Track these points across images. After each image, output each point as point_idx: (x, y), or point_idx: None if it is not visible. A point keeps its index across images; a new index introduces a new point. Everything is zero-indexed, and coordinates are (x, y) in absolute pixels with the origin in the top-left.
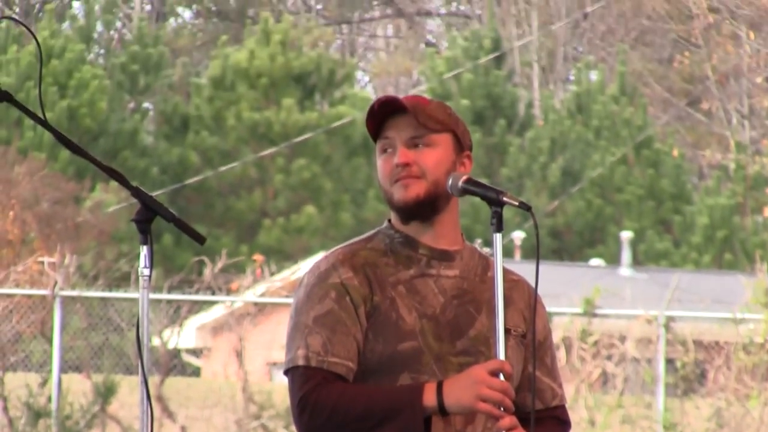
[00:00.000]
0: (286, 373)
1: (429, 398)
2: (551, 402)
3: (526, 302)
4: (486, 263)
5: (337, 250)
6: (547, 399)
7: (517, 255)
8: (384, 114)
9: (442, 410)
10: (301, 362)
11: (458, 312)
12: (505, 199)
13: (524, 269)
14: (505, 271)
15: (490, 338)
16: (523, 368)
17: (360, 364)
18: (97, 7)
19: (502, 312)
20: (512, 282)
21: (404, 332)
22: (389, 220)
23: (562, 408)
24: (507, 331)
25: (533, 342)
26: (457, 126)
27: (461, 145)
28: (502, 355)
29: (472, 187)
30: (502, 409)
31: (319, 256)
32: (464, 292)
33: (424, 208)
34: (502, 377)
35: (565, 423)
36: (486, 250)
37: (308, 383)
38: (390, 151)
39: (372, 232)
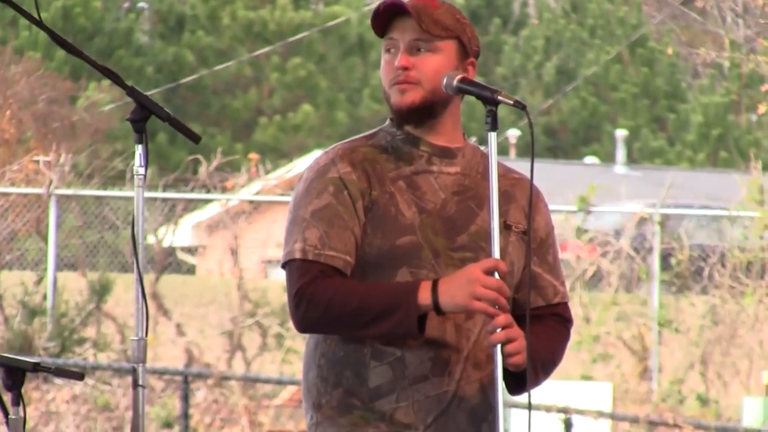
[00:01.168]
0: (283, 266)
1: (424, 296)
2: (553, 299)
3: (527, 199)
4: (488, 161)
5: (337, 146)
6: (548, 296)
7: (513, 153)
8: (389, 15)
9: (437, 308)
10: (298, 255)
11: (459, 208)
12: (499, 98)
13: (520, 167)
14: (507, 170)
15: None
16: (525, 265)
17: (358, 258)
18: None
19: (497, 209)
20: (514, 180)
21: (403, 227)
22: (391, 118)
23: (564, 305)
24: (508, 227)
25: (528, 239)
26: (463, 32)
27: (466, 52)
28: (496, 254)
29: (466, 86)
30: (497, 307)
31: (315, 153)
32: (465, 188)
33: (419, 114)
34: (497, 276)
35: (567, 320)
36: (481, 148)
37: (305, 276)
38: (393, 51)
39: (374, 129)
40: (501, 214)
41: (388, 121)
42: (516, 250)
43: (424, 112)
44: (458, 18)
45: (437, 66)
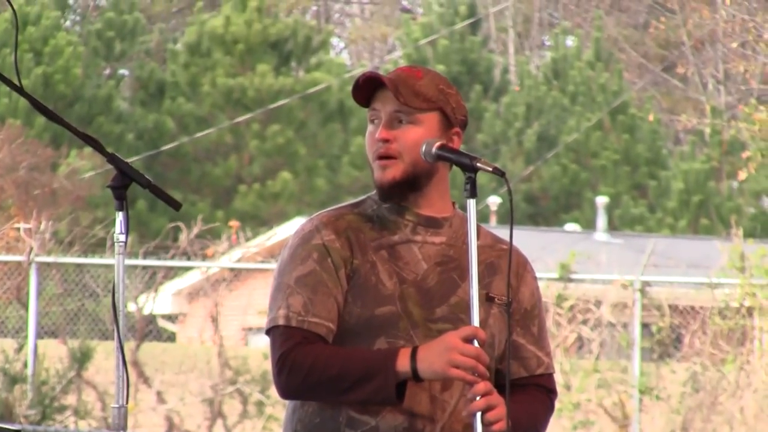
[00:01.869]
0: (267, 332)
1: (403, 363)
2: (536, 370)
3: (513, 270)
4: (477, 232)
5: (322, 213)
6: (531, 367)
7: (493, 220)
8: (370, 88)
9: (415, 376)
10: (281, 322)
11: (441, 279)
12: (478, 165)
13: (500, 234)
14: (496, 240)
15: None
16: (508, 337)
17: (338, 326)
18: None
19: (476, 277)
20: (501, 251)
21: (383, 296)
22: None
23: (548, 376)
24: (491, 299)
25: (508, 308)
26: (447, 103)
27: (450, 122)
28: (476, 322)
29: (445, 153)
30: (476, 375)
31: (295, 221)
32: (450, 259)
33: (401, 189)
34: (476, 344)
35: (551, 391)
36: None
37: (287, 342)
38: (376, 122)
39: (361, 197)
40: (484, 286)
41: (375, 190)
42: (498, 322)
43: (407, 186)
44: (441, 88)
45: (418, 138)
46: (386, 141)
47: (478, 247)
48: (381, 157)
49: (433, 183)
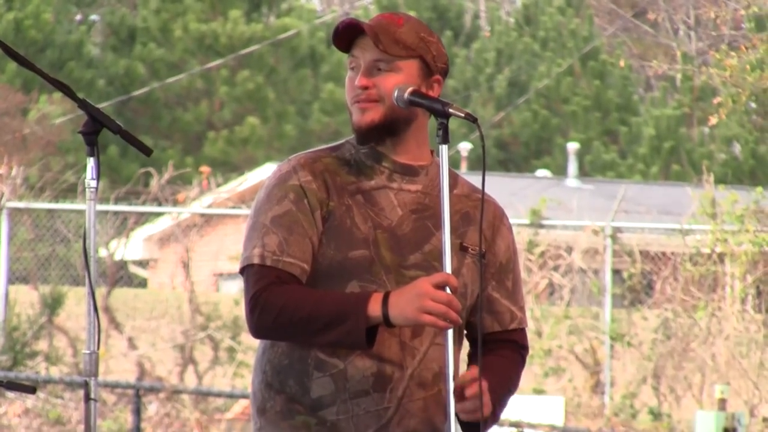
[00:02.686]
0: (241, 271)
1: (374, 308)
2: (509, 325)
3: (489, 222)
4: (454, 181)
5: (300, 154)
6: (505, 321)
7: (464, 166)
8: (350, 35)
9: (387, 321)
10: (256, 261)
11: (415, 226)
12: (450, 110)
13: (471, 180)
14: (473, 189)
15: None
16: (484, 289)
17: (311, 268)
18: None
19: (449, 223)
20: (478, 201)
21: (357, 240)
22: None
23: (521, 331)
24: (464, 249)
25: (480, 258)
26: (427, 51)
27: (430, 70)
28: (448, 268)
29: (417, 99)
30: (447, 321)
31: (265, 167)
32: (425, 207)
33: (379, 132)
34: (448, 290)
35: (523, 347)
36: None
37: (261, 281)
38: (355, 69)
39: (340, 141)
40: (458, 236)
41: (353, 134)
42: (471, 272)
43: (384, 130)
44: (422, 36)
45: (397, 84)
46: (366, 88)
47: (454, 196)
48: (361, 101)
49: (411, 130)
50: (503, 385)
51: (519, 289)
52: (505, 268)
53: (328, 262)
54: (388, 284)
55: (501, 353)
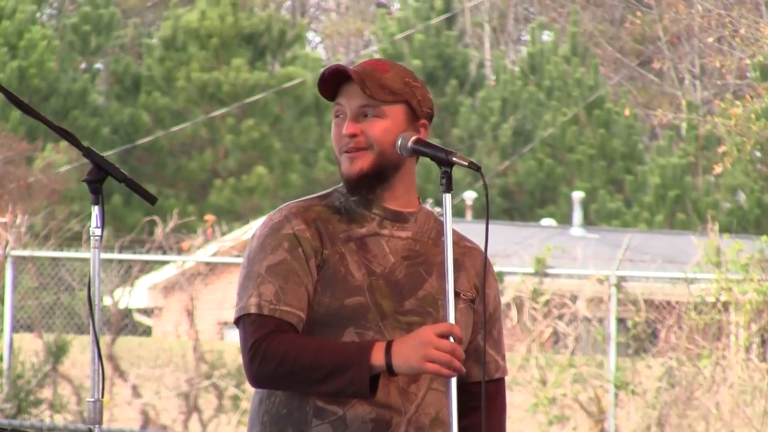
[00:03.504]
0: (237, 321)
1: (377, 357)
2: (494, 374)
3: (477, 270)
4: (441, 227)
5: (291, 203)
6: (490, 371)
7: (469, 215)
8: (336, 82)
9: (390, 370)
10: (253, 310)
11: (408, 273)
12: (454, 159)
13: (475, 229)
14: (460, 237)
15: (439, 300)
16: (472, 338)
17: (307, 316)
18: None
19: (452, 274)
20: (466, 248)
21: (352, 287)
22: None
23: (501, 380)
24: (456, 294)
25: (484, 313)
26: (413, 95)
27: (416, 114)
28: (452, 319)
29: (421, 148)
30: (451, 369)
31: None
32: (416, 253)
33: (369, 181)
34: (452, 340)
35: (503, 397)
36: (437, 210)
37: (260, 330)
38: (342, 117)
39: (328, 190)
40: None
41: (342, 183)
42: (464, 319)
43: (375, 179)
44: (407, 81)
45: (384, 130)
46: (354, 135)
47: (441, 243)
48: (350, 151)
49: (400, 176)
50: None
51: (502, 339)
52: (493, 317)
53: (324, 310)
54: (384, 330)
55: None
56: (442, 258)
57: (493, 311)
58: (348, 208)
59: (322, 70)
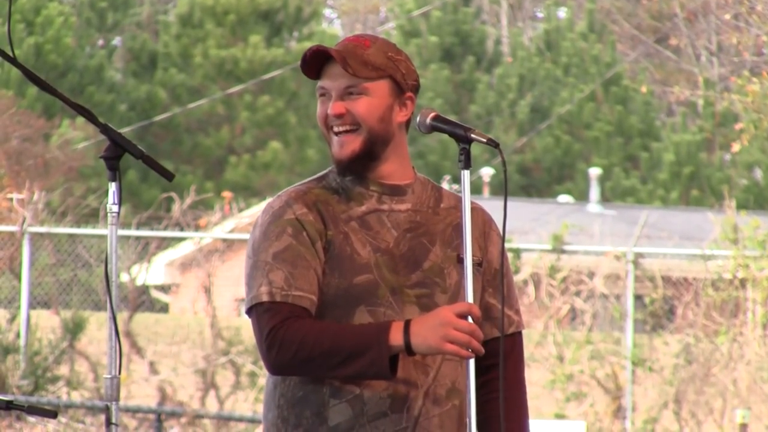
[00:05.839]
0: (248, 311)
1: (396, 337)
2: (508, 330)
3: (480, 230)
4: (438, 194)
5: (289, 189)
6: (504, 327)
7: (486, 191)
8: (319, 62)
9: (408, 349)
10: (265, 298)
11: (412, 245)
12: (472, 135)
13: (493, 206)
14: (457, 200)
15: (445, 268)
16: (481, 296)
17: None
18: None
19: (470, 252)
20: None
21: (359, 266)
22: None
23: (518, 335)
24: (461, 260)
25: (500, 272)
26: (396, 70)
27: (401, 88)
28: (470, 298)
29: (440, 124)
30: (470, 350)
31: None
32: (417, 224)
33: (362, 161)
34: (470, 320)
35: (521, 352)
36: (455, 186)
37: (275, 318)
38: (326, 97)
39: (323, 172)
40: (454, 248)
41: (333, 165)
42: (471, 282)
43: (366, 158)
44: (390, 56)
45: (370, 107)
46: (340, 115)
47: (443, 210)
48: (339, 134)
49: (392, 150)
50: (522, 422)
51: (513, 293)
52: (499, 273)
53: (334, 290)
54: (394, 305)
55: (509, 383)
56: (443, 225)
57: (499, 267)
58: (345, 188)
59: (308, 48)
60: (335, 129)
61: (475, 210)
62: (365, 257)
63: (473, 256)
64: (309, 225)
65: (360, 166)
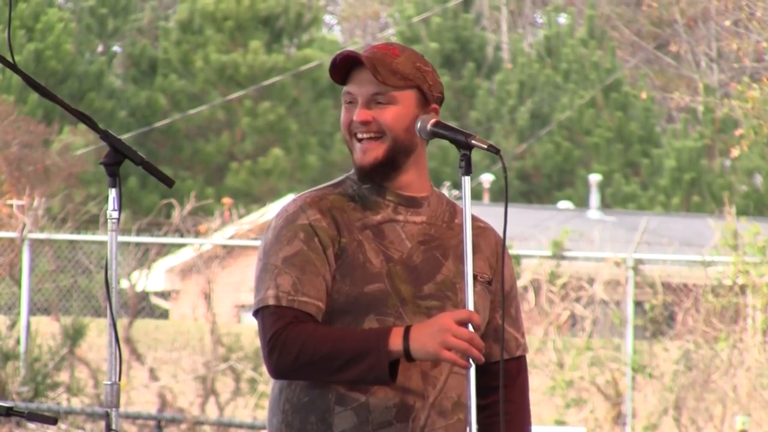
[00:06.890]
0: (255, 313)
1: (395, 342)
2: (515, 352)
3: (492, 250)
4: (453, 210)
5: (305, 194)
6: (511, 349)
7: (486, 198)
8: (347, 67)
9: (407, 355)
10: (271, 302)
11: (425, 257)
12: (473, 142)
13: (493, 212)
14: (473, 218)
15: (457, 283)
16: (490, 317)
17: (327, 305)
18: None
19: (471, 259)
20: (479, 229)
21: (371, 274)
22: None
23: (523, 358)
24: (474, 277)
25: (502, 292)
26: (423, 80)
27: (427, 99)
28: (471, 306)
29: (440, 130)
30: (469, 360)
31: (287, 198)
32: (431, 238)
33: (384, 169)
34: (470, 328)
35: (525, 374)
36: (455, 192)
37: (279, 322)
38: (352, 103)
39: (340, 178)
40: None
41: (353, 170)
42: (481, 301)
43: (389, 166)
44: (418, 66)
45: (396, 116)
46: (366, 123)
47: (457, 226)
48: (363, 140)
49: (412, 161)
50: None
51: (520, 316)
52: (509, 295)
53: (344, 298)
54: (404, 316)
55: (511, 399)
56: (456, 241)
57: (509, 289)
58: (362, 196)
59: (338, 52)
60: (359, 136)
61: (488, 230)
62: (378, 266)
63: (484, 274)
64: (322, 231)
65: (381, 174)
